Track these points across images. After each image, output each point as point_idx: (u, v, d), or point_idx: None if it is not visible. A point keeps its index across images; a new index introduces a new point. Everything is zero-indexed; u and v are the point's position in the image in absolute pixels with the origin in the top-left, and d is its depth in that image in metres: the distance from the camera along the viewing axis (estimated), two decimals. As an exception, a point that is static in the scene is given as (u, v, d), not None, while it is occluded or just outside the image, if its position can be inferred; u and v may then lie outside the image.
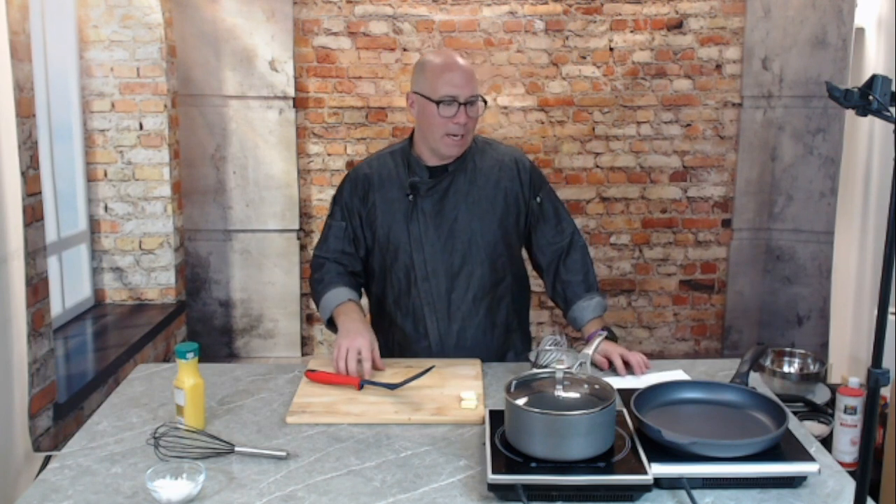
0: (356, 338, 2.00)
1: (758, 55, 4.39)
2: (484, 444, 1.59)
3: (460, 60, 2.13)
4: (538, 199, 2.26)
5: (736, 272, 4.60)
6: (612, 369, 2.07)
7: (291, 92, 4.34)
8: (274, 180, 4.40)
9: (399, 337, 2.27)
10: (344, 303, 2.13)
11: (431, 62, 2.14)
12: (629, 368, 2.06)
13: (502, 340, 2.28)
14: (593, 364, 2.06)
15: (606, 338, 2.12)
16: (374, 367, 2.01)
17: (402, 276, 2.21)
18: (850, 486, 1.52)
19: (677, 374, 2.07)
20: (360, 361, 1.99)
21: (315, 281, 2.22)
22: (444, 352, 2.22)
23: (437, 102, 2.08)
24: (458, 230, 2.18)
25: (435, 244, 2.18)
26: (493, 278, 2.22)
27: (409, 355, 2.24)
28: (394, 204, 2.18)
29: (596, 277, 2.29)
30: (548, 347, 2.02)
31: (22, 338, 2.48)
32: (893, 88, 1.25)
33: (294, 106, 4.36)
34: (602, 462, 1.49)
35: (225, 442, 1.65)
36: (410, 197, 2.17)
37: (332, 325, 2.15)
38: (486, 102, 2.16)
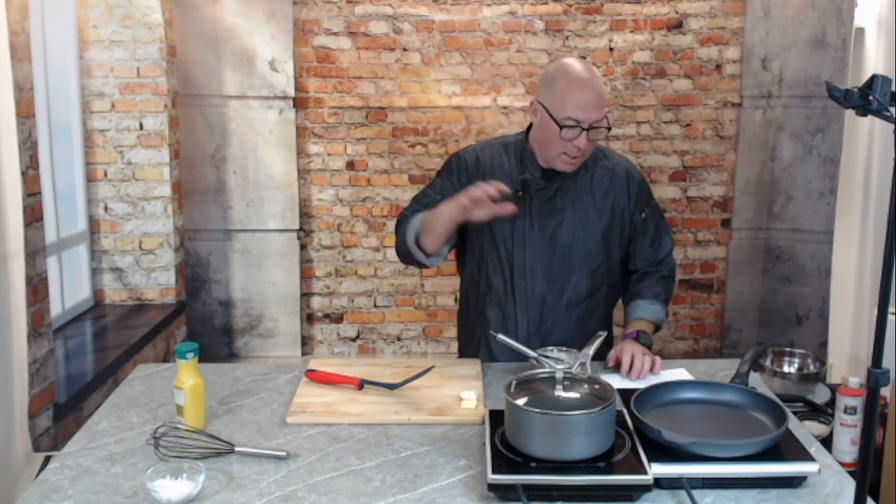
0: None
1: (757, 55, 4.39)
2: (484, 444, 1.59)
3: (592, 80, 2.04)
4: (643, 215, 2.24)
5: (735, 272, 4.60)
6: (617, 369, 2.05)
7: (291, 92, 4.34)
8: (274, 180, 4.40)
9: (486, 327, 2.24)
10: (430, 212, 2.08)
11: (563, 77, 2.03)
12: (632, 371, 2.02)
13: None
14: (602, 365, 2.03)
15: (641, 342, 2.09)
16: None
17: (498, 268, 2.19)
18: (850, 486, 1.52)
19: (680, 374, 2.06)
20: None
21: (398, 229, 2.18)
22: None
23: (560, 126, 2.01)
24: (561, 234, 2.16)
25: (537, 244, 2.15)
26: (589, 287, 2.20)
27: (490, 348, 2.22)
28: (503, 196, 2.16)
29: (670, 295, 2.28)
30: (548, 348, 2.02)
31: (22, 338, 2.48)
32: (893, 88, 1.25)
33: (294, 106, 4.36)
34: (602, 462, 1.49)
35: (225, 442, 1.65)
36: (520, 193, 2.13)
37: (419, 248, 2.10)
38: (609, 129, 2.10)
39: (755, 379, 2.03)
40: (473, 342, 2.30)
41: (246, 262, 4.47)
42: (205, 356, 2.09)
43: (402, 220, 2.20)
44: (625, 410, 1.67)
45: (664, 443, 1.52)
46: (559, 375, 1.61)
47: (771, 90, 4.41)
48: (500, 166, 2.17)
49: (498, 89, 4.43)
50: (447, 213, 2.00)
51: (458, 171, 2.19)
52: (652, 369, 2.02)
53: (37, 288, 2.69)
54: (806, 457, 1.53)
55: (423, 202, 2.20)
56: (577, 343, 2.13)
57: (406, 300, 4.60)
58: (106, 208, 4.01)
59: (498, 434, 1.59)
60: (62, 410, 2.80)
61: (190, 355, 1.70)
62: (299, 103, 4.39)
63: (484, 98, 4.41)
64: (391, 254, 4.51)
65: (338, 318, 4.62)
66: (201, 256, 4.44)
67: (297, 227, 4.46)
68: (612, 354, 2.08)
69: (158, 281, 4.08)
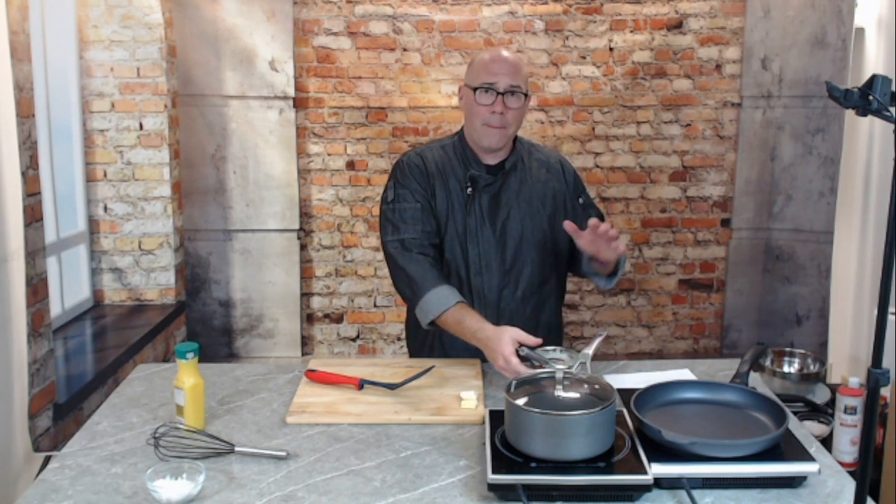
0: (500, 339, 1.90)
1: (757, 55, 4.39)
2: (484, 444, 1.59)
3: (505, 52, 2.15)
4: (581, 201, 2.29)
5: (735, 272, 4.60)
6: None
7: (291, 92, 4.34)
8: (274, 180, 4.40)
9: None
10: (454, 307, 2.02)
11: (480, 55, 2.17)
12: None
13: (544, 341, 2.24)
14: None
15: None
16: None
17: (453, 268, 2.20)
18: (850, 486, 1.53)
19: (684, 374, 2.07)
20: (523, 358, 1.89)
21: (402, 276, 2.12)
22: None
23: (475, 89, 2.10)
24: (510, 227, 2.19)
25: (490, 239, 2.18)
26: (541, 277, 2.24)
27: (451, 348, 2.22)
28: (452, 195, 2.18)
29: (622, 269, 2.21)
30: (548, 348, 2.02)
31: (22, 338, 2.48)
32: (893, 88, 1.25)
33: (294, 106, 4.36)
34: (602, 462, 1.49)
35: (225, 442, 1.65)
36: (469, 190, 2.17)
37: (432, 324, 2.08)
38: (527, 95, 2.14)
39: (755, 379, 2.03)
40: (427, 343, 2.29)
41: (246, 262, 4.47)
42: (205, 356, 2.09)
43: (404, 256, 2.12)
44: (625, 410, 1.67)
45: (664, 443, 1.52)
46: (559, 375, 1.62)
47: (771, 90, 4.41)
48: (444, 166, 2.20)
49: (498, 89, 4.42)
50: (480, 347, 1.96)
51: (412, 174, 2.19)
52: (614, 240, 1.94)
53: (37, 288, 2.69)
54: (806, 457, 1.53)
55: (408, 219, 2.15)
56: (534, 336, 2.09)
57: (406, 300, 4.59)
58: (106, 208, 4.01)
59: (498, 434, 1.59)
60: (62, 410, 2.80)
61: (190, 355, 1.70)
62: (299, 103, 4.39)
63: (484, 98, 4.40)
64: (391, 254, 4.51)
65: (338, 318, 4.62)
66: (201, 256, 4.44)
67: (297, 227, 4.46)
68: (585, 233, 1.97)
69: (158, 281, 4.08)
